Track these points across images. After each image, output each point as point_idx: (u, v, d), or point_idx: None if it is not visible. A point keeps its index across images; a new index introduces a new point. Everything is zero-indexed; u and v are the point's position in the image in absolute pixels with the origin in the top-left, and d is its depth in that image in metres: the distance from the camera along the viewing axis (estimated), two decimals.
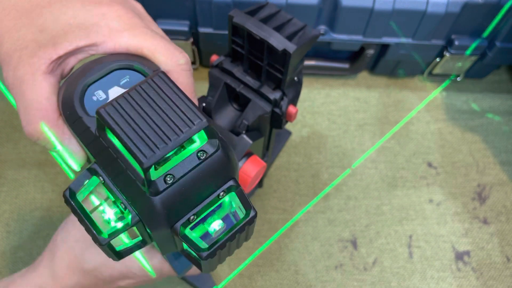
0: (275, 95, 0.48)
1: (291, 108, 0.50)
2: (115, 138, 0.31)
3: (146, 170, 0.28)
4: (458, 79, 0.78)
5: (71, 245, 0.48)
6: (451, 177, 0.71)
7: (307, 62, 0.76)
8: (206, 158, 0.32)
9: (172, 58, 0.38)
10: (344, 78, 0.79)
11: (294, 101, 0.51)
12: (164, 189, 0.31)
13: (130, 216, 0.32)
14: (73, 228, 0.49)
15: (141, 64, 0.36)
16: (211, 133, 0.31)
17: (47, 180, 0.67)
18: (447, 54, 0.72)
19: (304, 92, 0.77)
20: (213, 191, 0.33)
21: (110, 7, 0.37)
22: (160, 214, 0.31)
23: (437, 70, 0.76)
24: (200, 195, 0.33)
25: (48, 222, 0.65)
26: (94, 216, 0.34)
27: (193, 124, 0.29)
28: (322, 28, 0.69)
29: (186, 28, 0.68)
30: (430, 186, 0.70)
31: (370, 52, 0.73)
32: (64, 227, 0.49)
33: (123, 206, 0.32)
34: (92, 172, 0.33)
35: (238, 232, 0.33)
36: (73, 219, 0.49)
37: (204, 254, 0.32)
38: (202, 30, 0.69)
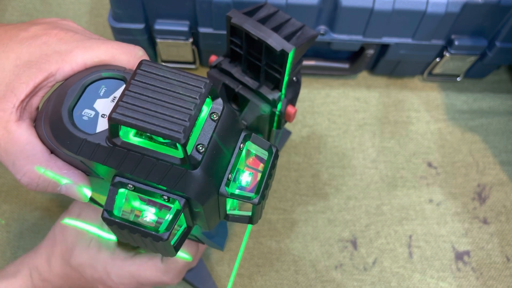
0: (274, 95, 0.48)
1: (290, 108, 0.50)
2: (137, 137, 0.32)
3: (184, 145, 0.30)
4: (458, 79, 0.78)
5: (66, 238, 0.49)
6: (451, 177, 0.71)
7: (307, 62, 0.76)
8: (219, 117, 0.34)
9: (131, 54, 0.38)
10: (344, 78, 0.79)
11: (293, 101, 0.51)
12: (202, 158, 0.32)
13: (176, 202, 0.33)
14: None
15: (107, 70, 0.36)
16: (213, 93, 0.33)
17: None
18: (447, 54, 0.72)
19: (304, 92, 0.77)
20: (235, 146, 0.36)
21: (48, 35, 0.37)
22: (207, 183, 0.33)
23: (437, 70, 0.76)
24: (228, 153, 0.35)
25: (48, 222, 0.65)
26: (139, 222, 0.35)
27: (201, 87, 0.31)
28: (322, 28, 0.69)
29: (186, 28, 0.69)
30: (430, 186, 0.70)
31: (370, 52, 0.73)
32: (63, 217, 0.51)
33: (165, 198, 0.33)
34: (117, 186, 0.34)
35: (272, 169, 0.37)
36: (71, 211, 0.51)
37: (256, 199, 0.35)
38: (202, 30, 0.69)
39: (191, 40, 0.70)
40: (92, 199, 0.43)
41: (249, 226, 0.66)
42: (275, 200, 0.68)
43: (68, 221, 0.50)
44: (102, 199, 0.42)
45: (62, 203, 0.66)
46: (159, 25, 0.68)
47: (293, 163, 0.71)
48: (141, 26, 0.69)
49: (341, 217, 0.68)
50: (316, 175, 0.70)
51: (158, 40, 0.70)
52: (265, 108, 0.49)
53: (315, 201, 0.68)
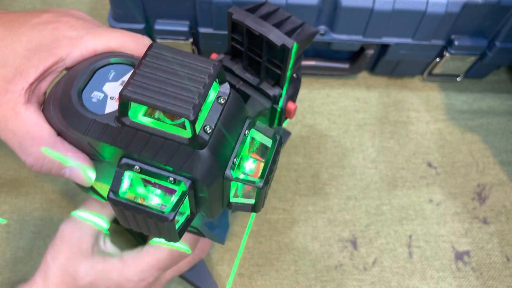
0: (274, 91, 0.48)
1: (290, 105, 0.50)
2: (146, 117, 0.33)
3: (193, 123, 0.30)
4: (458, 79, 0.79)
5: (63, 263, 0.47)
6: (451, 177, 0.71)
7: (307, 62, 0.76)
8: (226, 101, 0.34)
9: (139, 42, 0.39)
10: (344, 78, 0.79)
11: (293, 97, 0.51)
12: (209, 138, 0.33)
13: (182, 184, 0.34)
14: (61, 245, 0.48)
15: (116, 56, 0.37)
16: (221, 77, 0.34)
17: (47, 180, 0.67)
18: (447, 54, 0.72)
19: (304, 92, 0.77)
20: (240, 131, 0.36)
21: (59, 22, 0.38)
22: (213, 164, 0.34)
23: (437, 70, 0.76)
24: (233, 137, 0.36)
25: (48, 222, 0.65)
26: (145, 204, 0.35)
27: (211, 68, 0.32)
28: (322, 28, 0.69)
29: (186, 28, 0.69)
30: (430, 186, 0.70)
31: (370, 52, 0.73)
32: (52, 246, 0.49)
33: (171, 180, 0.34)
34: (123, 167, 0.34)
35: (276, 155, 0.37)
36: (60, 236, 0.49)
37: (261, 183, 0.36)
38: (202, 30, 0.69)
39: (191, 40, 0.71)
40: (93, 189, 0.43)
41: (249, 226, 0.66)
42: (275, 200, 0.68)
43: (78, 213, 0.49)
44: (104, 189, 0.42)
45: (62, 203, 0.66)
46: (159, 25, 0.69)
47: (293, 163, 0.71)
48: (141, 26, 0.69)
49: (341, 217, 0.67)
50: (316, 175, 0.70)
51: (158, 40, 0.70)
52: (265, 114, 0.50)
53: (315, 201, 0.68)
